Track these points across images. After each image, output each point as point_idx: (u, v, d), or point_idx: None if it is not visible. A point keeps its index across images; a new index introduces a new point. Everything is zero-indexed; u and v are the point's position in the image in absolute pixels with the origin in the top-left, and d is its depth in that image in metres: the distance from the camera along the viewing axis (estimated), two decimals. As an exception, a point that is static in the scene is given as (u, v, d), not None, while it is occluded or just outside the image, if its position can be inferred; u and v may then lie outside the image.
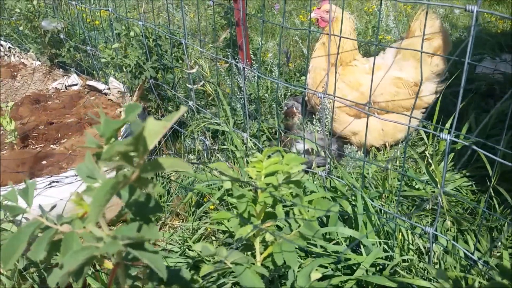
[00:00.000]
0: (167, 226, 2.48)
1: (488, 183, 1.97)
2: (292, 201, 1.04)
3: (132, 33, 2.72)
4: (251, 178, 1.04)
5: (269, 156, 1.08)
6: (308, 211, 1.05)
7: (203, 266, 1.05)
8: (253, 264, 1.05)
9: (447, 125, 2.51)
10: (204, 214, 2.40)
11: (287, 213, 1.11)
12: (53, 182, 2.17)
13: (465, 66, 1.35)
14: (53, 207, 0.92)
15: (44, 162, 2.51)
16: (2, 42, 4.31)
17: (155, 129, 0.65)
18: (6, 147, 2.67)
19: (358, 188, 1.90)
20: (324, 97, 1.75)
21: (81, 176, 0.81)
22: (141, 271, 1.08)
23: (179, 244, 2.19)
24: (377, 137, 2.75)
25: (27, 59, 4.14)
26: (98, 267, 1.80)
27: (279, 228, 1.70)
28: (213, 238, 2.28)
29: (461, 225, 2.02)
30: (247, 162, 2.50)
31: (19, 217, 1.71)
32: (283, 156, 1.06)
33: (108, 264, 0.94)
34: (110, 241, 0.64)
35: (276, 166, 1.03)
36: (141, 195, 0.83)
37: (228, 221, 1.12)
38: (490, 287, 0.59)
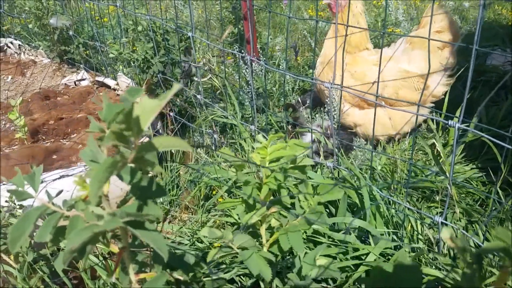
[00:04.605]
0: (177, 219, 2.49)
1: (496, 176, 1.95)
2: (297, 188, 1.04)
3: (139, 28, 2.72)
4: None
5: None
6: (313, 196, 1.04)
7: (210, 251, 1.05)
8: (259, 249, 1.05)
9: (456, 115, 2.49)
10: (212, 207, 2.41)
11: (292, 203, 1.10)
12: (62, 176, 2.19)
13: (473, 52, 1.34)
14: (60, 192, 0.92)
15: (54, 157, 2.53)
16: (13, 40, 4.35)
17: (149, 107, 0.64)
18: (16, 142, 2.69)
19: (361, 178, 1.89)
20: (331, 87, 1.74)
21: (85, 160, 0.82)
22: (148, 256, 1.09)
23: (189, 236, 2.20)
24: (381, 130, 2.71)
25: (37, 56, 4.18)
26: (108, 258, 1.81)
27: (285, 217, 1.71)
28: (222, 230, 2.28)
29: (471, 216, 2.00)
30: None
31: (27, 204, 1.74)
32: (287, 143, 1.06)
33: (114, 248, 0.94)
34: (109, 218, 0.65)
35: (280, 152, 1.03)
36: (144, 179, 0.84)
37: (234, 208, 1.12)
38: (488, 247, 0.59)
